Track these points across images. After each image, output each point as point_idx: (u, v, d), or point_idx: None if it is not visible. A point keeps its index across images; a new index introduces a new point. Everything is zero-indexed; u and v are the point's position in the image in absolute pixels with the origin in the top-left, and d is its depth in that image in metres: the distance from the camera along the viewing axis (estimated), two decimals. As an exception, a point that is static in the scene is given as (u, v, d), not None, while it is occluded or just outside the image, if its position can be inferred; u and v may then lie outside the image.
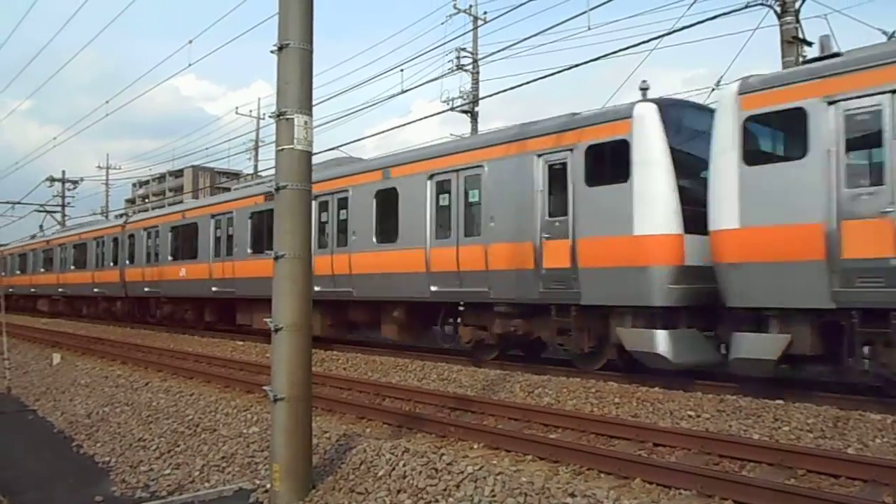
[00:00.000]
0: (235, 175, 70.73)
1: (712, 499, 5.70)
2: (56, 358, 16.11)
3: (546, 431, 8.30)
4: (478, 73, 27.46)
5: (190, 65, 77.23)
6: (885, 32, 12.49)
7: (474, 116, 27.37)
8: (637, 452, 7.21)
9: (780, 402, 8.86)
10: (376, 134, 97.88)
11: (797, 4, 13.84)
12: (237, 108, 74.04)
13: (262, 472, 6.86)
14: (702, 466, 6.49)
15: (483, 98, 28.47)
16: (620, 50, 14.11)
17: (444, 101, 27.27)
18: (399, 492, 5.95)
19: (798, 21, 13.89)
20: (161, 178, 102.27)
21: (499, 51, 50.77)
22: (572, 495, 5.38)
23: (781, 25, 13.94)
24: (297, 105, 6.04)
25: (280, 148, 6.09)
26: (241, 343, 18.95)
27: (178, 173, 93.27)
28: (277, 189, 6.06)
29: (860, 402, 8.64)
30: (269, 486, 6.12)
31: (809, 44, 13.98)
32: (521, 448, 7.40)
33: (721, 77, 16.83)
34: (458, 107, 27.14)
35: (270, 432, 6.17)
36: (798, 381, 10.08)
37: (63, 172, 52.10)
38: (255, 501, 6.19)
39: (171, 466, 7.53)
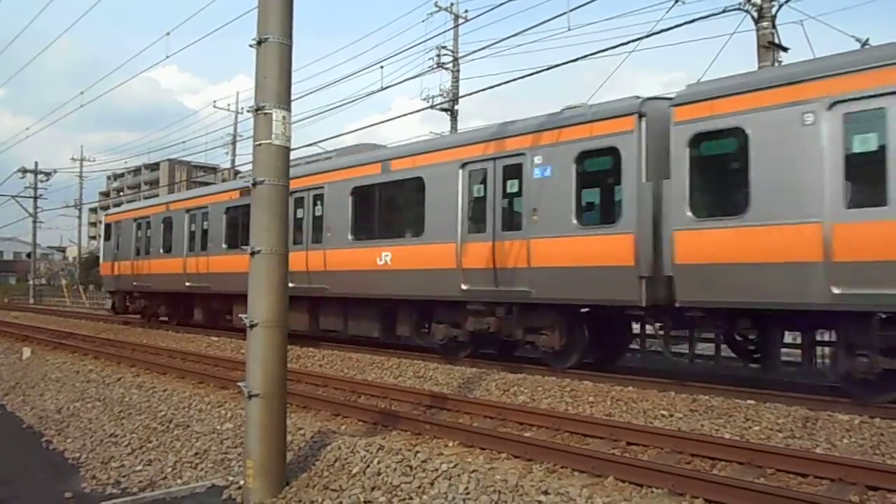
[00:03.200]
0: (213, 169, 70.17)
1: (683, 497, 5.76)
2: (26, 352, 15.87)
3: (521, 430, 8.34)
4: (458, 71, 27.54)
5: (167, 56, 76.11)
6: (858, 39, 12.74)
7: (454, 115, 27.41)
8: (610, 451, 7.27)
9: (752, 402, 8.99)
10: (356, 130, 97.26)
11: (773, 10, 14.02)
12: (215, 101, 73.24)
13: (235, 468, 6.82)
14: (674, 465, 6.56)
15: (463, 96, 28.53)
16: (600, 51, 14.17)
17: (424, 99, 27.29)
18: (373, 489, 5.94)
19: (774, 26, 14.08)
20: (136, 171, 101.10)
21: (479, 49, 51.23)
22: (545, 493, 5.42)
23: (758, 30, 14.12)
24: (275, 100, 6.00)
25: (258, 143, 6.05)
26: (216, 339, 18.80)
27: (154, 167, 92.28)
28: (254, 184, 6.03)
29: (829, 402, 8.79)
30: (242, 482, 6.08)
31: (785, 49, 14.19)
32: (496, 446, 7.43)
33: (700, 79, 16.94)
34: (437, 104, 27.16)
35: (244, 429, 6.13)
36: (769, 382, 10.22)
37: (35, 164, 51.32)
38: (227, 498, 6.15)
39: (142, 463, 7.45)
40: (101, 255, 26.18)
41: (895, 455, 6.88)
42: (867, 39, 12.38)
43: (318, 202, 15.77)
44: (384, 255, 13.80)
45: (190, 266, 20.36)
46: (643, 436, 7.66)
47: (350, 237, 14.96)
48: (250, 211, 6.13)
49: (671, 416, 8.70)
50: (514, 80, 28.19)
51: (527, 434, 8.10)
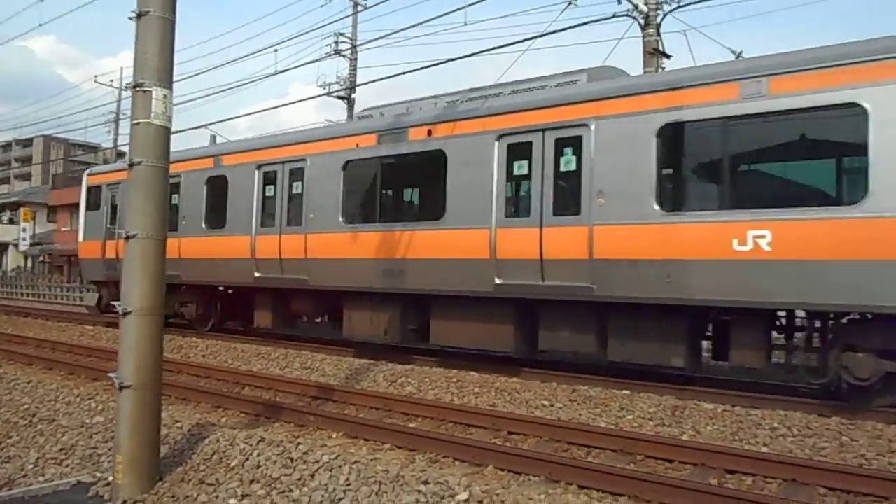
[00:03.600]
0: (93, 148, 66.22)
1: (559, 484, 5.97)
2: None
3: (406, 420, 8.38)
4: (356, 59, 27.22)
5: (41, 25, 70.76)
6: (733, 52, 13.57)
7: (350, 103, 27.11)
8: (492, 441, 7.43)
9: (627, 392, 9.43)
10: (249, 114, 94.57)
11: (659, 18, 14.70)
12: (96, 76, 68.75)
13: (104, 464, 6.48)
14: (550, 453, 6.78)
15: (360, 85, 28.23)
16: (496, 48, 14.39)
17: (321, 86, 26.82)
18: (252, 482, 5.81)
19: (659, 34, 14.77)
20: (6, 146, 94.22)
21: (378, 38, 50.60)
22: (425, 483, 5.47)
23: (644, 37, 14.77)
24: (155, 77, 5.72)
25: (136, 121, 5.76)
26: (90, 328, 17.79)
27: (27, 142, 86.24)
28: (131, 165, 5.73)
29: (697, 392, 9.35)
30: (110, 478, 5.79)
31: (668, 56, 14.91)
32: (380, 437, 7.43)
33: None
34: (334, 92, 26.77)
35: (115, 422, 5.84)
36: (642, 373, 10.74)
37: None
38: (94, 495, 5.83)
39: (0, 460, 6.96)
40: (80, 230, 18.90)
41: (751, 441, 7.39)
42: (741, 52, 13.22)
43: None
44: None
45: (264, 248, 14.26)
46: (524, 425, 7.87)
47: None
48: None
49: (552, 405, 8.99)
50: (412, 71, 28.25)
51: (411, 425, 8.15)
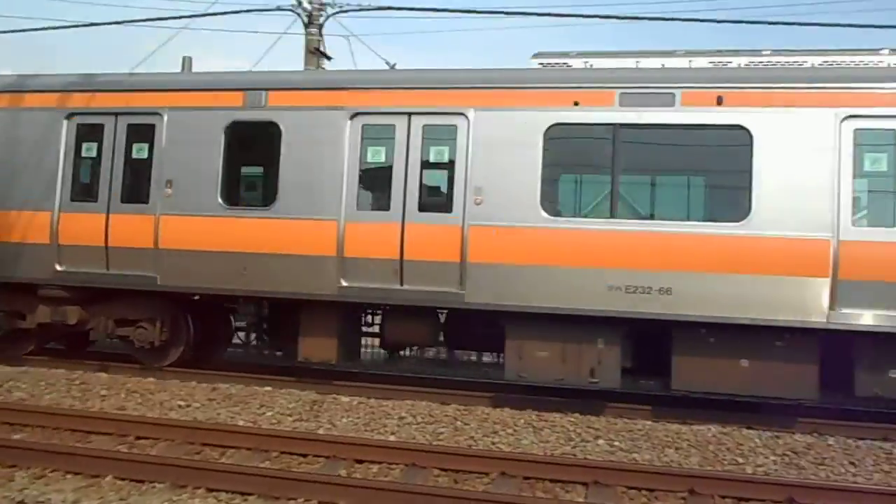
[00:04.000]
0: None
1: (185, 489, 5.66)
2: None
3: (10, 432, 7.24)
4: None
5: None
6: (388, 62, 14.40)
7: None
8: (117, 447, 6.80)
9: (269, 388, 9.40)
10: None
11: (322, 19, 14.99)
12: None
13: None
14: (175, 457, 6.42)
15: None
16: (149, 19, 13.29)
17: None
18: None
19: (321, 34, 15.07)
20: None
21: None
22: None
23: (307, 35, 14.95)
24: None
25: None
26: None
27: None
28: None
29: (336, 386, 9.69)
30: None
31: (329, 57, 15.30)
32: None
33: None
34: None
35: None
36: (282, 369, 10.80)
37: None
38: None
39: None
40: None
41: (381, 430, 7.88)
42: (395, 63, 14.08)
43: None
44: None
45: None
46: (154, 428, 7.34)
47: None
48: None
49: (189, 406, 8.57)
50: (47, 28, 24.78)
51: (16, 437, 7.07)
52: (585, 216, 9.10)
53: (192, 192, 9.69)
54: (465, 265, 8.85)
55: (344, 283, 9.22)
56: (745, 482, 6.13)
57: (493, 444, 7.51)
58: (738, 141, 8.40)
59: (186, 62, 10.69)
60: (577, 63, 9.51)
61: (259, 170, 10.53)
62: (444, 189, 9.41)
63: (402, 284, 9.07)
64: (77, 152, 10.29)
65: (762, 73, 8.97)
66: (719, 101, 8.49)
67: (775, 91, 8.47)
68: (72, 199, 10.20)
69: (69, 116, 10.22)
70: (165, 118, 9.87)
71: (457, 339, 10.68)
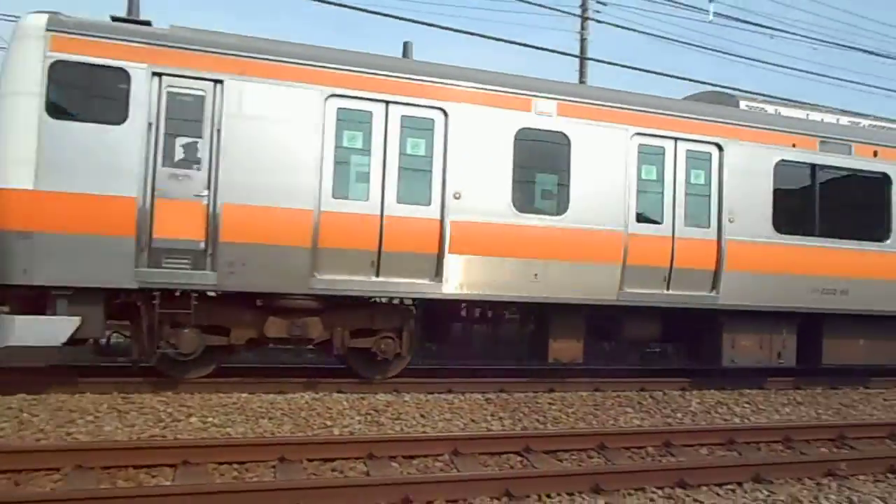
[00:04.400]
0: None
1: None
2: None
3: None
4: None
5: None
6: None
7: None
8: None
9: None
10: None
11: None
12: None
13: None
14: None
15: None
16: None
17: None
18: None
19: None
20: None
21: None
22: None
23: None
24: None
25: None
26: None
27: None
28: None
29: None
30: None
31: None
32: None
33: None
34: None
35: None
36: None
37: None
38: None
39: None
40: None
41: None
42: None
43: None
44: None
45: None
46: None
47: None
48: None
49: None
50: None
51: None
52: (804, 235, 11.03)
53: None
54: (717, 273, 10.45)
55: (626, 290, 9.88)
56: (330, 443, 6.54)
57: (69, 434, 6.74)
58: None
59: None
60: (771, 109, 11.70)
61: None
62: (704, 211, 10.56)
63: (668, 290, 10.21)
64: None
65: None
66: (875, 154, 11.59)
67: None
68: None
69: None
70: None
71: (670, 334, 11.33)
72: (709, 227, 10.39)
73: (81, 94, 7.99)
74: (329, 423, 7.69)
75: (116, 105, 7.95)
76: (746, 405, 9.69)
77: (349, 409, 8.28)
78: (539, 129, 9.53)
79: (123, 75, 7.96)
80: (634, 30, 18.08)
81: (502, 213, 9.27)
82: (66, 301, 7.74)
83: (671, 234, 10.17)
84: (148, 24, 8.49)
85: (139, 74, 7.99)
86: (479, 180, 9.18)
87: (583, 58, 21.17)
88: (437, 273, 9.01)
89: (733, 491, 5.94)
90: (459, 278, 9.12)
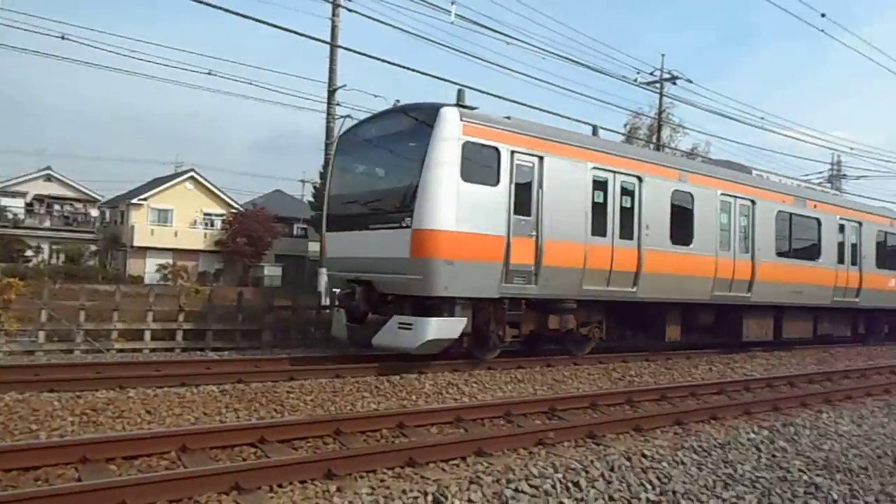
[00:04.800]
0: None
1: None
2: None
3: None
4: None
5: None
6: None
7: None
8: None
9: None
10: None
11: None
12: None
13: None
14: None
15: None
16: None
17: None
18: None
19: None
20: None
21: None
22: None
23: None
24: None
25: None
26: None
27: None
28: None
29: None
30: None
31: None
32: None
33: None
34: None
35: None
36: None
37: None
38: None
39: None
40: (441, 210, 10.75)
41: None
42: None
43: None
44: None
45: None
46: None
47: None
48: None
49: None
50: None
51: None
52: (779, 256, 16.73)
53: None
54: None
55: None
56: (34, 450, 5.81)
57: None
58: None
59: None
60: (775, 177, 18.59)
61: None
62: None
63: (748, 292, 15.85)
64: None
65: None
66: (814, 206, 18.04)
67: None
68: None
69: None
70: None
71: None
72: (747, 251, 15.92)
73: (477, 164, 11.11)
74: (35, 426, 6.85)
75: (493, 172, 11.30)
76: (475, 384, 10.40)
77: (61, 409, 7.45)
78: (681, 192, 14.38)
79: (496, 152, 11.37)
80: (384, 22, 18.40)
81: (665, 244, 13.83)
82: (461, 307, 11.09)
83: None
84: (508, 118, 11.91)
85: (504, 152, 11.41)
86: (655, 224, 13.61)
87: (332, 45, 21.21)
88: (635, 283, 13.25)
89: (458, 465, 6.33)
90: (646, 286, 13.36)
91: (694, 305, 14.84)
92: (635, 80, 28.15)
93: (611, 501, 5.76)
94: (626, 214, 13.17)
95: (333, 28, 21.35)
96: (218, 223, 48.48)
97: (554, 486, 5.77)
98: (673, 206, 14.03)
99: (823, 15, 20.65)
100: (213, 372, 10.03)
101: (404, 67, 20.51)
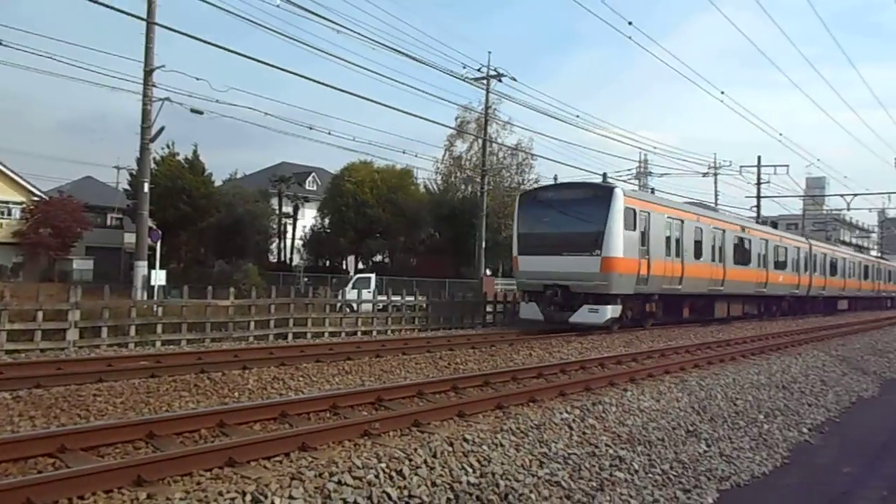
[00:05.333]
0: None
1: None
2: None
3: None
4: None
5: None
6: None
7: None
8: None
9: None
10: None
11: None
12: None
13: None
14: None
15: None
16: None
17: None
18: None
19: None
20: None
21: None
22: None
23: None
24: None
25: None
26: None
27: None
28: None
29: None
30: None
31: None
32: None
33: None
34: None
35: None
36: None
37: None
38: None
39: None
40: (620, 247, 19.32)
41: None
42: None
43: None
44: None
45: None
46: None
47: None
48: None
49: None
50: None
51: None
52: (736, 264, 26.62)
53: None
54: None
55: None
56: None
57: None
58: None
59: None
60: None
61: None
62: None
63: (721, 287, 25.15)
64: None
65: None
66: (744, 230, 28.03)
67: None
68: None
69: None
70: None
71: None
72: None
73: (628, 219, 18.98)
74: None
75: (633, 223, 19.19)
76: (301, 378, 10.22)
77: None
78: (697, 226, 23.20)
79: (634, 212, 19.25)
80: (206, 1, 17.16)
81: (692, 259, 22.33)
82: (619, 299, 19.13)
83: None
84: (653, 191, 24.99)
85: (638, 211, 19.52)
86: (689, 247, 22.40)
87: (148, 21, 19.81)
88: (680, 283, 21.40)
89: (280, 462, 6.17)
90: (685, 285, 21.78)
91: (699, 296, 23.67)
92: (463, 76, 28.92)
93: (433, 487, 5.88)
94: (676, 242, 21.54)
95: (150, 3, 19.98)
96: (17, 212, 43.82)
97: (377, 476, 5.79)
98: (695, 234, 22.76)
99: (630, 23, 22.02)
100: (4, 377, 9.06)
101: (227, 49, 19.20)
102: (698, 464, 7.81)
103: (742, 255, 26.46)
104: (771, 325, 26.57)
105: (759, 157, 44.58)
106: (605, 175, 22.74)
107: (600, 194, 19.22)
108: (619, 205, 18.67)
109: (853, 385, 14.50)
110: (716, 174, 44.81)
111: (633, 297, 19.91)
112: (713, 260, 23.77)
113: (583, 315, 18.67)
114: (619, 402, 9.42)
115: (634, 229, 19.23)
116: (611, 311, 18.75)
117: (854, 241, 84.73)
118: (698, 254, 22.83)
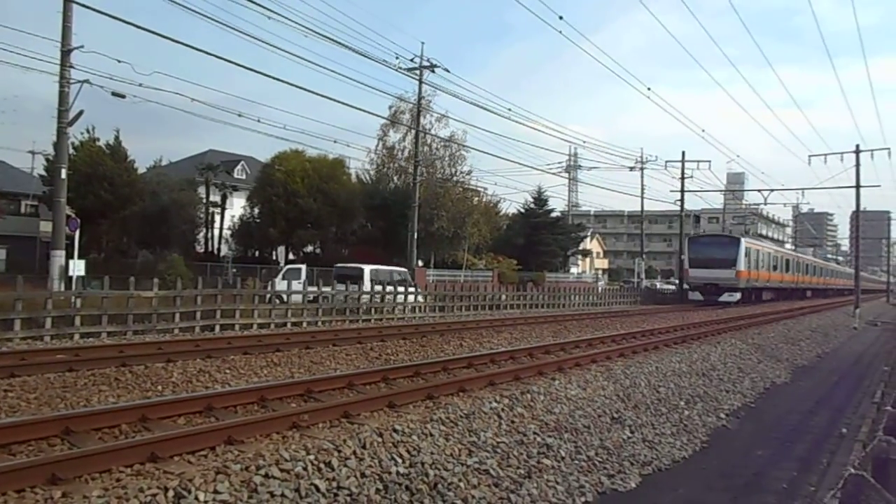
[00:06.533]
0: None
1: None
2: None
3: None
4: None
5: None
6: None
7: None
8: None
9: None
10: None
11: None
12: None
13: None
14: None
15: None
16: None
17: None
18: None
19: None
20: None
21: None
22: None
23: None
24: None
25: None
26: None
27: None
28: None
29: None
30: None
31: None
32: None
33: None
34: None
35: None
36: None
37: None
38: None
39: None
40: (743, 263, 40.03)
41: None
42: None
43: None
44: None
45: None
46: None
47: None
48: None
49: None
50: None
51: None
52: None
53: None
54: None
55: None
56: None
57: None
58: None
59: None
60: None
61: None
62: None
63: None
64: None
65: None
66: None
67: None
68: None
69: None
70: None
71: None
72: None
73: (746, 252, 41.08)
74: None
75: (751, 255, 41.98)
76: (228, 371, 10.02)
77: None
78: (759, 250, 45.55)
79: (754, 250, 42.70)
80: (128, -18, 16.48)
81: (767, 270, 45.73)
82: (740, 289, 40.38)
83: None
84: (741, 235, 45.98)
85: (754, 249, 43.23)
86: (763, 263, 45.07)
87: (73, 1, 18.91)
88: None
89: (205, 456, 6.03)
90: (759, 284, 44.16)
91: (773, 289, 45.93)
92: (396, 66, 28.78)
93: (363, 478, 5.87)
94: (764, 262, 42.32)
95: (68, -17, 19.06)
96: (-81, 198, 41.29)
97: (306, 468, 5.73)
98: (770, 259, 44.45)
99: (561, 17, 22.40)
100: None
101: (152, 32, 18.59)
102: (622, 450, 8.04)
103: (784, 266, 49.29)
104: (693, 315, 27.52)
105: (683, 153, 46.61)
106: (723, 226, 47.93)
107: (734, 240, 40.47)
108: (743, 246, 39.44)
109: (767, 372, 15.20)
110: (642, 168, 46.28)
111: (748, 289, 40.05)
112: (776, 270, 45.53)
113: (726, 297, 38.25)
114: (547, 390, 9.60)
115: (748, 257, 39.87)
116: (738, 295, 38.71)
117: (770, 234, 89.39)
118: (773, 268, 44.86)
